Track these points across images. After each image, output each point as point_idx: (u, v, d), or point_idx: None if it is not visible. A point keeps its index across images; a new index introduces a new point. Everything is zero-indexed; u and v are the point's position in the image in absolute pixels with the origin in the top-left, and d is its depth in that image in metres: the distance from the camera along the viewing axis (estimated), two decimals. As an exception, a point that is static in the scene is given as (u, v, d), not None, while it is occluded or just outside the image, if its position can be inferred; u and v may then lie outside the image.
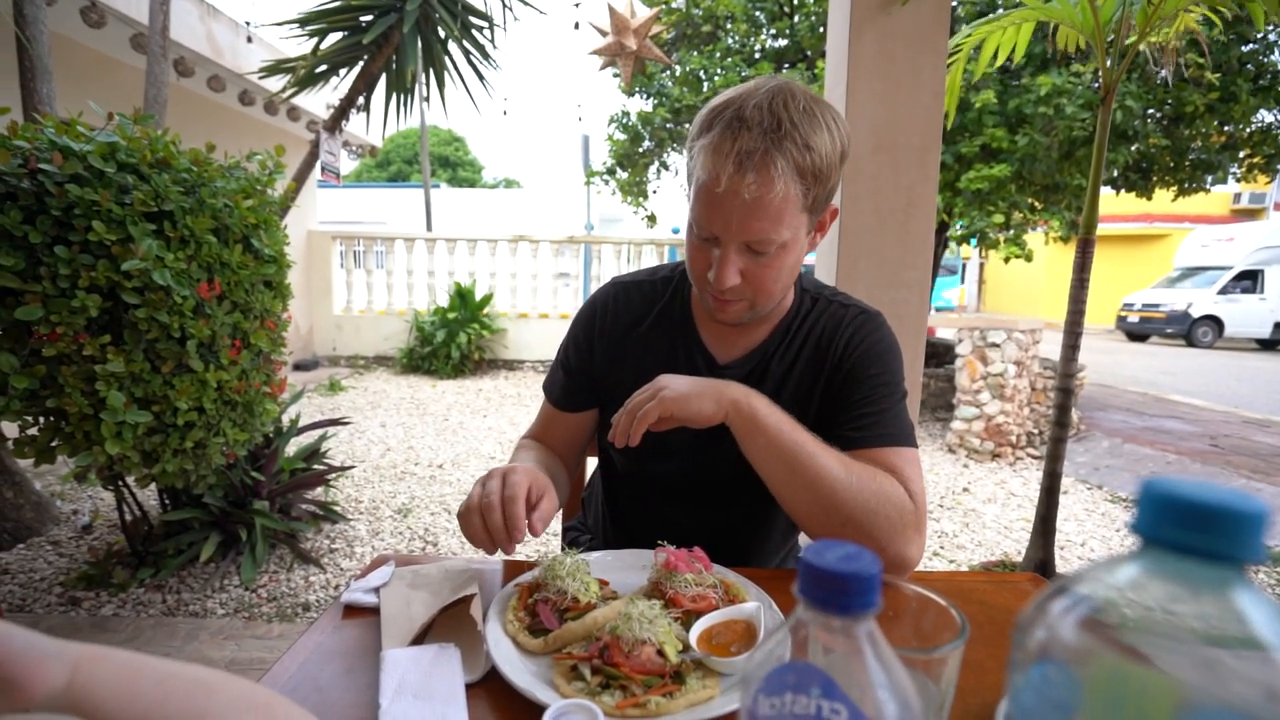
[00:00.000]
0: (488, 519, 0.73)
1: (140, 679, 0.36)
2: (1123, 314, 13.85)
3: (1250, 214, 18.66)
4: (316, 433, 3.34)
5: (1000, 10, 2.34)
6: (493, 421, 5.11)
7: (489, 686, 0.61)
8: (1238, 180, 5.81)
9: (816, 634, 0.30)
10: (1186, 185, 5.56)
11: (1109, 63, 2.14)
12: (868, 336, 0.93)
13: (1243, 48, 4.69)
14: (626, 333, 1.00)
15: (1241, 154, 5.34)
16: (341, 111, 3.72)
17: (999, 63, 2.41)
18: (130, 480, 2.30)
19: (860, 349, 0.91)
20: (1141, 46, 2.10)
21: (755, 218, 0.77)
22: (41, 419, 1.84)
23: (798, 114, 0.75)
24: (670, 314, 1.00)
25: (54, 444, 1.84)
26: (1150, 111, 4.96)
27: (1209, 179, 5.55)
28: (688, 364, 0.98)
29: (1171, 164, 5.27)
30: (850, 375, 0.91)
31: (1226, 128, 5.05)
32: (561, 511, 1.29)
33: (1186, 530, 0.25)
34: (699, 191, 0.80)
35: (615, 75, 5.91)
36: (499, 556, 0.78)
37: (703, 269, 0.84)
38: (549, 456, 1.02)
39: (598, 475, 1.17)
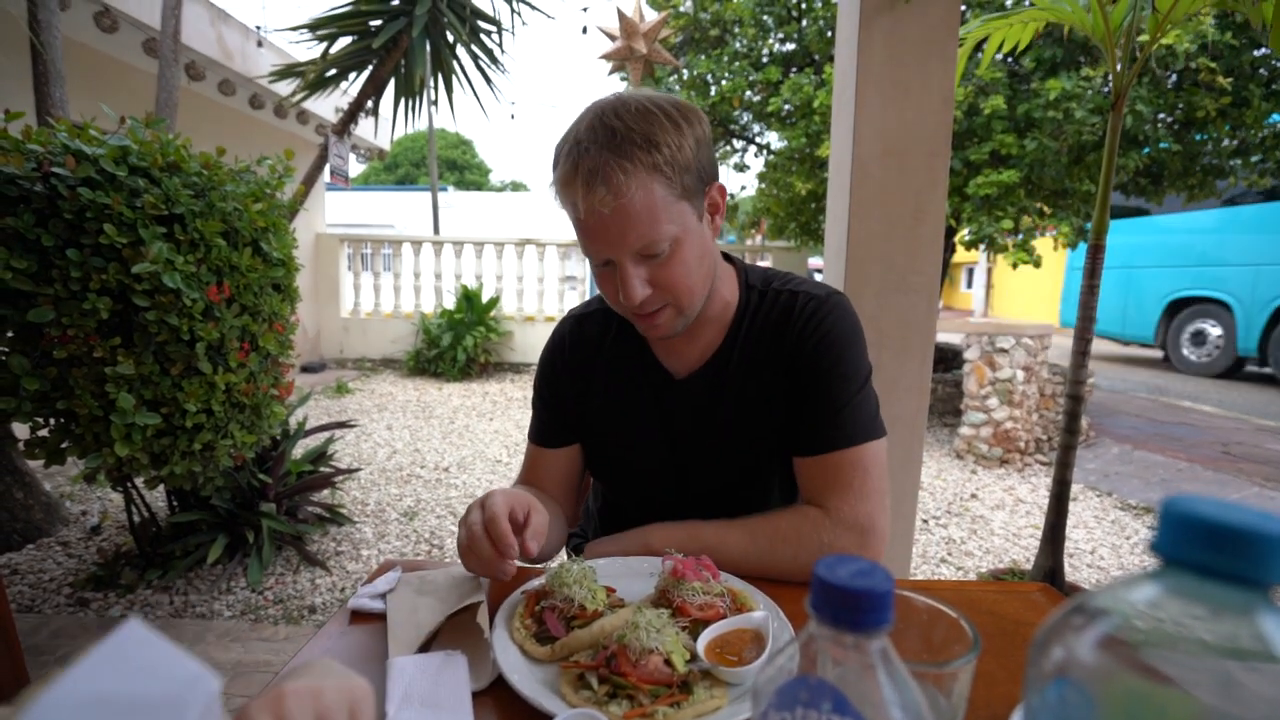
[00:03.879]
0: (478, 550, 0.72)
1: None
2: (1133, 319, 13.72)
3: (1262, 219, 18.47)
4: (323, 435, 3.35)
5: (1009, 7, 2.32)
6: (499, 424, 5.11)
7: (496, 694, 0.60)
8: (1249, 186, 5.76)
9: (828, 649, 0.29)
10: (1197, 190, 5.52)
11: (1120, 66, 2.13)
12: (820, 324, 0.89)
13: (1255, 52, 4.65)
14: (587, 364, 1.00)
15: (1254, 159, 5.29)
16: (350, 115, 3.74)
17: (1005, 50, 2.40)
18: (139, 482, 2.31)
19: (814, 340, 0.89)
20: (1153, 49, 2.09)
21: (627, 228, 0.76)
22: (52, 420, 1.86)
23: (630, 117, 0.76)
24: (624, 338, 0.99)
25: (64, 445, 1.85)
26: (1161, 116, 4.92)
27: (1220, 184, 5.50)
28: (647, 384, 0.97)
29: (1182, 169, 5.23)
30: (807, 369, 0.89)
31: (1238, 132, 5.00)
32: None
33: (1210, 551, 0.24)
34: (574, 226, 0.82)
35: (624, 79, 5.92)
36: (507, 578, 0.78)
37: (614, 294, 0.83)
38: (540, 495, 0.99)
39: (596, 488, 1.18)
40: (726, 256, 0.98)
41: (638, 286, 0.80)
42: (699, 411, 0.95)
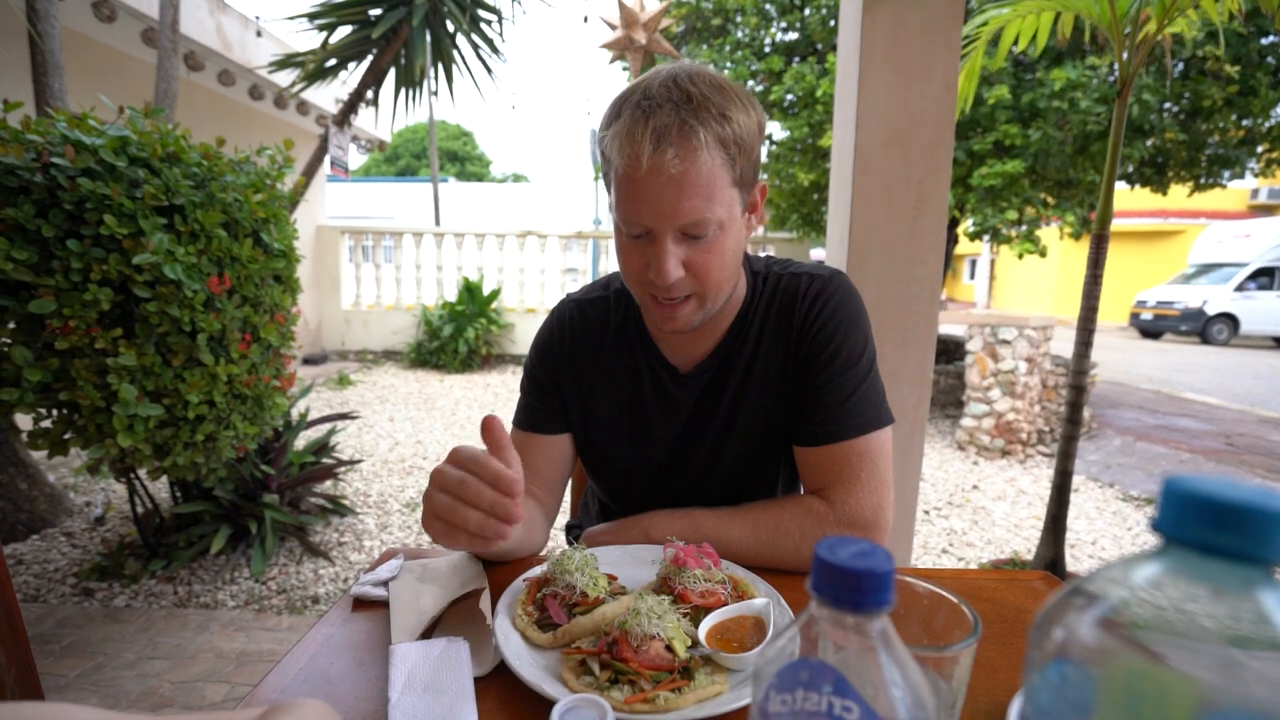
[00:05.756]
0: (472, 497, 0.61)
1: None
2: (1136, 311, 13.69)
3: (1268, 210, 18.38)
4: (325, 427, 3.37)
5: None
6: (501, 416, 5.12)
7: (498, 680, 0.61)
8: (1256, 176, 5.73)
9: (829, 631, 0.29)
10: (1203, 180, 5.48)
11: (1126, 55, 2.11)
12: (825, 305, 0.87)
13: (1263, 40, 4.60)
14: (590, 352, 0.96)
15: (1260, 149, 5.26)
16: (350, 106, 3.72)
17: (1021, 47, 2.38)
18: (142, 473, 2.32)
19: (818, 322, 0.87)
20: (1159, 38, 2.07)
21: (685, 196, 0.72)
22: (55, 411, 1.86)
23: (706, 87, 0.73)
24: (627, 329, 0.95)
25: (67, 436, 1.86)
26: (1167, 105, 4.89)
27: (1226, 174, 5.46)
28: (651, 378, 0.94)
29: (1188, 159, 5.19)
30: (811, 353, 0.87)
31: (1245, 122, 4.96)
32: (568, 511, 1.29)
33: (1211, 529, 0.24)
34: (620, 183, 0.75)
35: (624, 69, 5.89)
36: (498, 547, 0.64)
37: (639, 269, 0.78)
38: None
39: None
40: None
41: (674, 265, 0.75)
42: (705, 405, 0.93)
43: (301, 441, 3.17)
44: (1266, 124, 4.98)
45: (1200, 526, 0.24)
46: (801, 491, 0.93)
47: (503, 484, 0.61)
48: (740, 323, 0.92)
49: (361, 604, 0.75)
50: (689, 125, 0.70)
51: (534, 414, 0.97)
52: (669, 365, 0.94)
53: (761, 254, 1.00)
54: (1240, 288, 12.63)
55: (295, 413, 3.02)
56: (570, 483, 1.15)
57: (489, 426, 0.66)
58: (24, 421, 1.94)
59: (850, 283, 0.92)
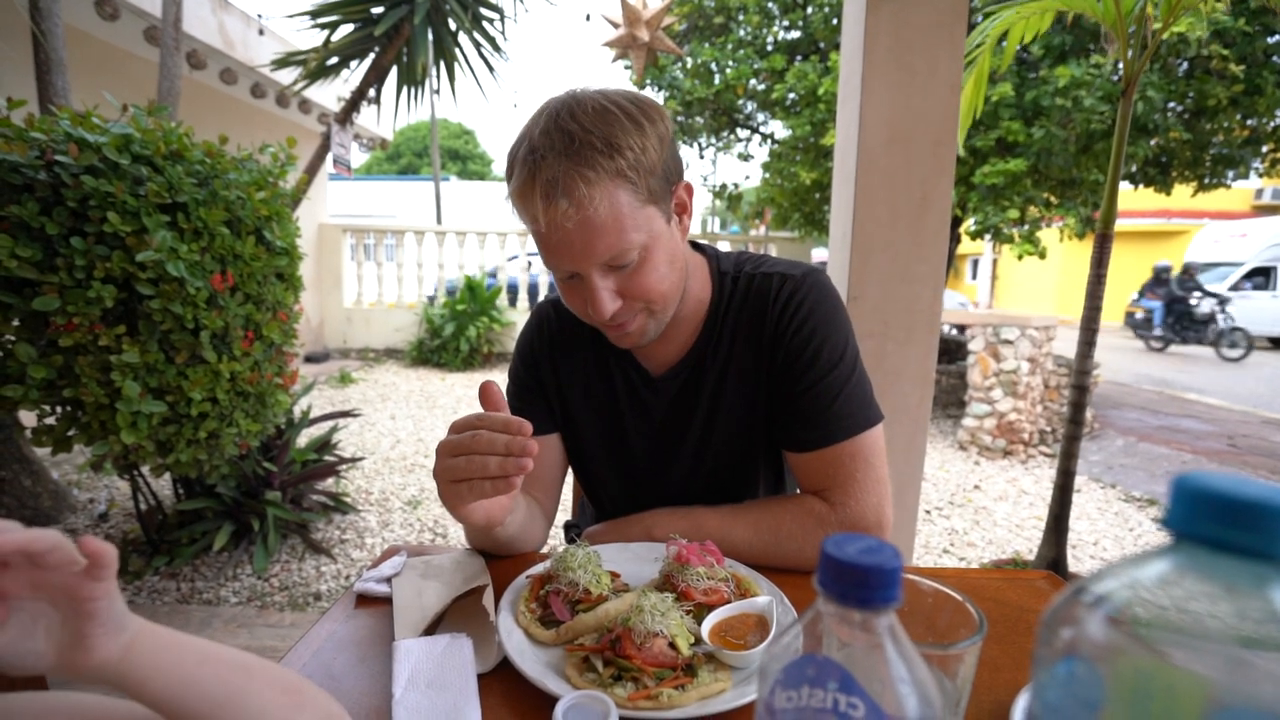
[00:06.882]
0: (486, 444, 0.64)
1: (184, 656, 0.39)
2: (1131, 310, 13.63)
3: (1272, 210, 18.30)
4: (327, 424, 3.37)
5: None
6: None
7: (501, 677, 0.61)
8: (1260, 176, 5.70)
9: (835, 627, 0.29)
10: (1207, 180, 5.46)
11: (1130, 54, 2.10)
12: (800, 307, 0.85)
13: (1269, 39, 4.58)
14: (568, 353, 0.96)
15: (1265, 148, 5.23)
16: (352, 104, 3.72)
17: (1026, 41, 2.37)
18: (145, 470, 2.33)
19: (793, 324, 0.85)
20: (1164, 37, 2.06)
21: (595, 238, 0.71)
22: (59, 408, 1.87)
23: (588, 119, 0.70)
24: (599, 332, 0.92)
25: (71, 433, 1.86)
26: (1171, 104, 4.87)
27: (1230, 174, 5.44)
28: (624, 382, 0.94)
29: (1192, 158, 5.17)
30: (790, 357, 0.85)
31: (1250, 121, 4.94)
32: (568, 510, 1.29)
33: (1223, 525, 0.24)
34: (534, 237, 0.76)
35: (627, 68, 5.88)
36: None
37: (581, 306, 0.79)
38: (522, 498, 0.87)
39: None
40: (696, 246, 0.94)
41: (607, 299, 0.75)
42: (678, 409, 0.93)
43: (303, 439, 3.17)
44: (1271, 123, 4.96)
45: (1211, 523, 0.24)
46: (795, 491, 0.93)
47: (513, 426, 0.64)
48: (711, 325, 0.90)
49: (365, 600, 0.75)
50: (573, 172, 0.69)
51: (524, 415, 0.95)
52: (640, 369, 0.93)
53: (764, 251, 0.99)
54: (1235, 287, 12.57)
55: (297, 410, 3.03)
56: (572, 481, 1.15)
57: (486, 391, 0.68)
58: (28, 418, 1.94)
59: (825, 279, 0.90)
